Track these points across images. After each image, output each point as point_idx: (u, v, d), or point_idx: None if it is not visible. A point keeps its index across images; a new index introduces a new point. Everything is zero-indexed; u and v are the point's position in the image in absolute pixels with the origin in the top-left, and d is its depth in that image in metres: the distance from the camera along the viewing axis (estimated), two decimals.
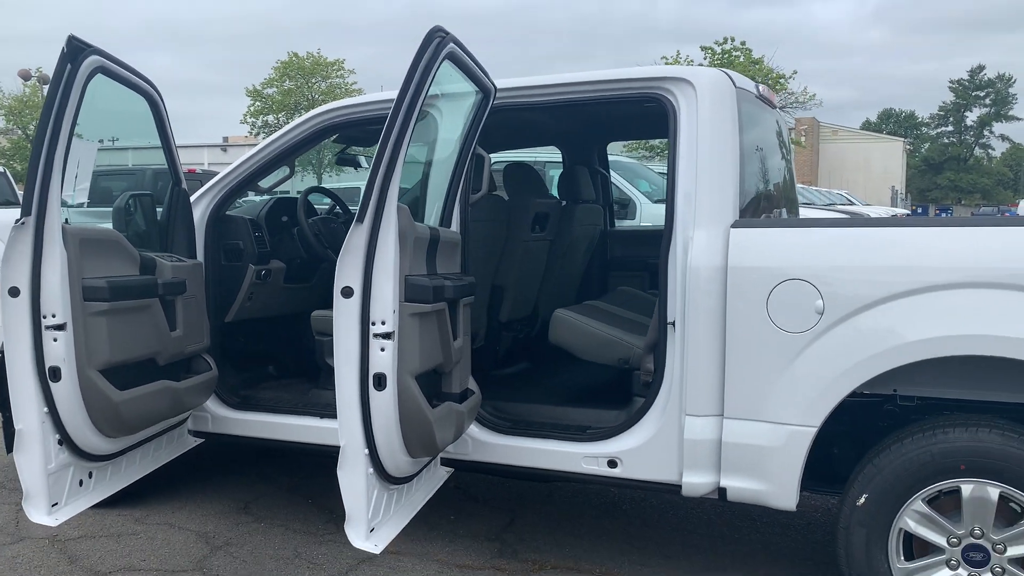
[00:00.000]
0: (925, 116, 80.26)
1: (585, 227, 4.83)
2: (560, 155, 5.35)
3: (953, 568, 2.76)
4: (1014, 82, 73.70)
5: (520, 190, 4.56)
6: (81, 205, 3.60)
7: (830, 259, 2.88)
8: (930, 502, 2.77)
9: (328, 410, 3.48)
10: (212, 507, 4.10)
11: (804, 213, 11.83)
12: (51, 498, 3.33)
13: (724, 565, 3.53)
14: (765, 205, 3.73)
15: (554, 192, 5.46)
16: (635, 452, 3.23)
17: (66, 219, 3.25)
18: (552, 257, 4.65)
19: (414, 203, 3.60)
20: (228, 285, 4.19)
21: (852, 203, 23.78)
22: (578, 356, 3.81)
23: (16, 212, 3.24)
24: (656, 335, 3.26)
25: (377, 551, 3.04)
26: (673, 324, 3.14)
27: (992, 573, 2.72)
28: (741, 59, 30.19)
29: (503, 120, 3.65)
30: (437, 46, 2.88)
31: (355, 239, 2.85)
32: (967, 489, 2.71)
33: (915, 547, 2.82)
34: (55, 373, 3.21)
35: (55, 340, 3.18)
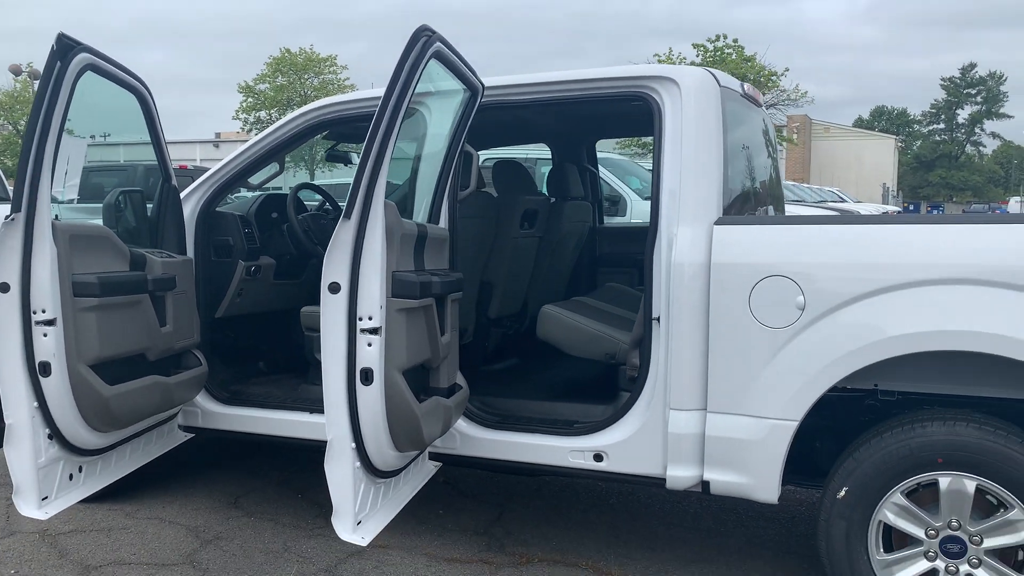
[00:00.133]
0: (917, 113, 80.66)
1: (574, 224, 4.86)
2: (549, 152, 5.38)
3: (931, 559, 2.81)
4: (1005, 80, 74.11)
5: (509, 187, 4.59)
6: (71, 201, 3.61)
7: (811, 256, 2.92)
8: (909, 495, 2.81)
9: (318, 405, 3.50)
10: (202, 501, 4.13)
11: (795, 210, 11.91)
12: (41, 492, 3.35)
13: (709, 557, 3.57)
14: (750, 203, 3.77)
15: (543, 189, 5.50)
16: (620, 446, 3.27)
17: (56, 215, 3.27)
18: (541, 253, 4.68)
19: (402, 200, 3.63)
20: (218, 281, 4.21)
21: (843, 200, 23.85)
22: (565, 351, 3.84)
23: (6, 208, 3.26)
24: (641, 331, 3.30)
25: (364, 543, 3.07)
26: (658, 320, 3.18)
27: (969, 564, 2.76)
28: (733, 56, 30.22)
29: (492, 118, 3.68)
30: (424, 45, 2.91)
31: (342, 235, 2.88)
32: (944, 482, 2.75)
33: (894, 539, 2.87)
34: (45, 368, 3.23)
35: (45, 335, 3.20)
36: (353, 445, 2.98)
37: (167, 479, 4.33)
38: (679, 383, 3.11)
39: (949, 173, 72.82)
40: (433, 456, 3.71)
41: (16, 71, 33.52)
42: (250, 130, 38.00)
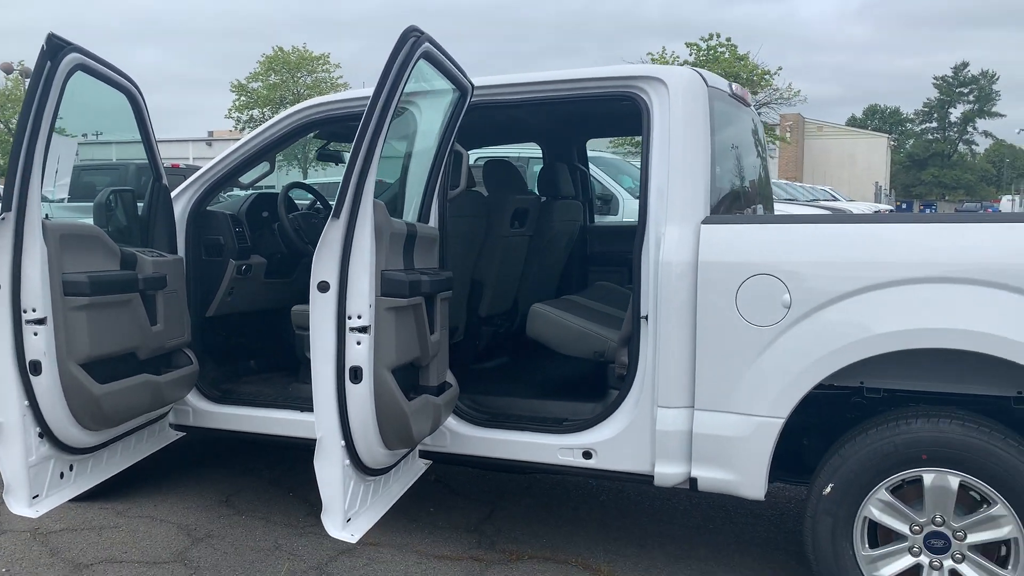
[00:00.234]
0: (910, 112, 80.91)
1: (564, 223, 4.88)
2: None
3: (915, 555, 2.84)
4: (997, 79, 74.38)
5: (499, 186, 4.61)
6: (62, 201, 3.62)
7: (796, 254, 2.95)
8: (893, 491, 2.84)
9: (308, 404, 3.50)
10: (194, 500, 4.14)
11: (787, 209, 11.96)
12: (32, 490, 3.36)
13: (697, 554, 3.60)
14: (738, 202, 3.80)
15: (534, 188, 5.51)
16: (609, 443, 3.30)
17: (46, 214, 3.28)
18: (532, 252, 4.70)
19: (393, 199, 3.65)
20: (209, 280, 4.22)
21: (836, 199, 23.91)
22: (555, 350, 3.87)
23: None
24: (630, 329, 3.32)
25: (353, 540, 3.09)
26: (646, 318, 3.21)
27: (953, 559, 2.80)
28: (726, 55, 30.29)
29: (483, 117, 3.70)
30: (412, 45, 2.92)
31: (331, 234, 2.89)
32: (928, 478, 2.78)
33: (879, 535, 2.90)
34: (36, 367, 3.24)
35: (35, 334, 3.21)
36: (343, 443, 3.00)
37: (159, 477, 4.34)
38: (667, 381, 3.13)
39: (942, 172, 73.09)
40: (423, 454, 3.73)
41: (7, 69, 33.42)
42: (243, 129, 37.95)
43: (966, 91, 75.33)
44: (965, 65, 75.18)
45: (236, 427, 4.00)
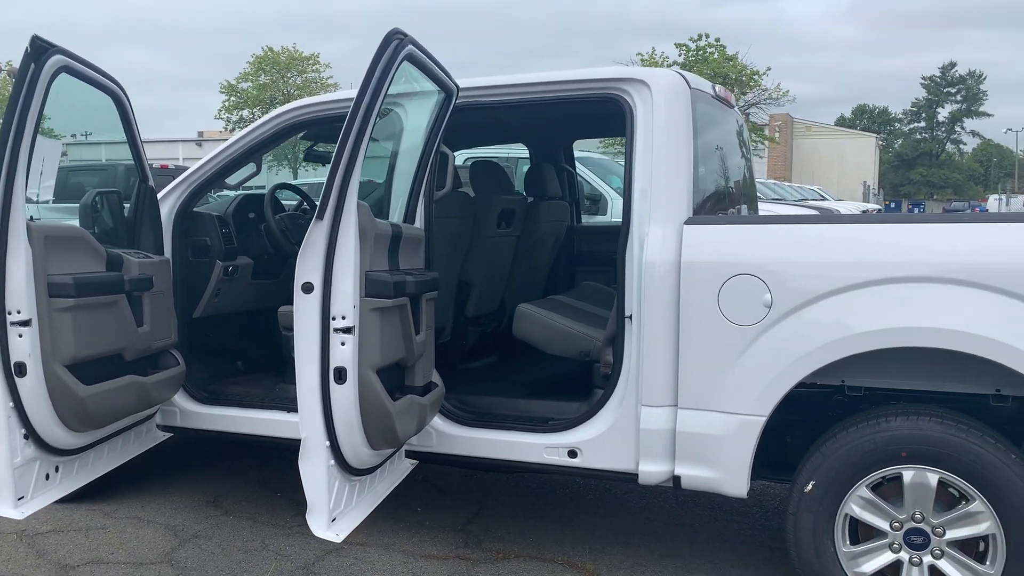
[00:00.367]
0: (898, 112, 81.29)
1: (551, 223, 4.91)
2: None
3: (895, 551, 2.87)
4: (984, 78, 74.79)
5: (486, 187, 4.62)
6: (47, 202, 3.62)
7: (777, 254, 2.98)
8: (874, 488, 2.88)
9: (295, 404, 3.52)
10: (181, 501, 4.14)
11: (775, 209, 12.01)
12: (17, 492, 3.37)
13: (682, 552, 3.63)
14: (722, 202, 3.83)
15: (521, 189, 5.54)
16: (594, 442, 3.32)
17: (31, 216, 3.28)
18: (518, 253, 4.73)
19: (378, 200, 3.66)
20: (196, 281, 4.23)
21: (825, 199, 24.00)
22: (541, 349, 3.89)
23: None
24: (615, 328, 3.34)
25: (338, 540, 3.10)
26: (630, 318, 3.23)
27: (932, 555, 2.83)
28: (715, 56, 30.36)
29: (469, 118, 3.72)
30: (396, 48, 2.94)
31: (315, 235, 2.91)
32: (908, 475, 2.82)
33: (860, 531, 2.93)
34: (20, 368, 3.24)
35: (20, 336, 3.22)
36: (327, 443, 3.01)
37: (146, 479, 4.34)
38: (650, 380, 3.16)
39: (930, 171, 73.43)
40: (410, 454, 3.75)
41: None
42: (232, 129, 37.82)
43: (954, 91, 75.71)
44: (953, 65, 75.59)
45: (223, 428, 4.00)
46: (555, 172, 4.95)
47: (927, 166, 73.98)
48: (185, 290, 4.17)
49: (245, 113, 37.86)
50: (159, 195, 4.05)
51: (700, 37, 31.08)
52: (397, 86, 3.08)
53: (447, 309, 4.24)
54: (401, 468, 3.76)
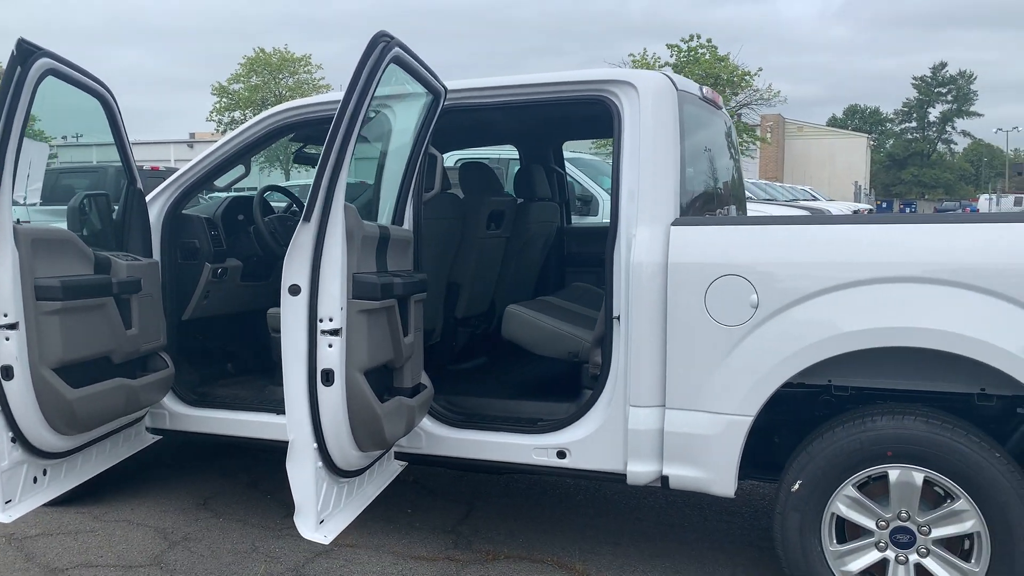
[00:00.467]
0: (889, 112, 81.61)
1: (541, 224, 4.91)
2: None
3: (882, 549, 2.89)
4: (975, 79, 75.22)
5: (475, 188, 4.63)
6: (35, 205, 3.61)
7: (763, 255, 2.99)
8: (860, 487, 2.89)
9: (284, 406, 3.53)
10: (170, 503, 4.14)
11: (766, 209, 12.04)
12: (4, 495, 3.35)
13: (671, 551, 3.64)
14: (710, 204, 3.84)
15: (511, 190, 5.54)
16: (582, 443, 3.33)
17: (18, 219, 3.27)
18: (508, 254, 4.73)
19: (367, 202, 3.66)
20: (184, 283, 4.22)
21: (816, 199, 24.06)
22: (530, 350, 3.89)
23: None
24: (603, 329, 3.35)
25: (326, 542, 3.10)
26: (618, 319, 3.24)
27: (918, 553, 2.85)
28: (707, 56, 30.43)
29: (458, 120, 3.72)
30: (382, 50, 2.94)
31: (302, 237, 2.91)
32: (894, 474, 2.83)
33: (847, 530, 2.95)
34: (7, 371, 3.23)
35: (7, 339, 3.20)
36: (315, 445, 3.01)
37: (135, 481, 4.34)
38: (638, 380, 3.17)
39: (921, 171, 73.76)
40: (399, 455, 3.75)
41: None
42: (224, 131, 37.77)
43: (945, 91, 76.08)
44: (943, 65, 75.99)
45: (213, 430, 4.00)
46: (544, 173, 4.96)
47: (918, 166, 74.31)
48: (174, 292, 4.16)
49: (237, 115, 37.83)
50: (148, 197, 4.05)
51: (692, 38, 31.15)
52: (385, 88, 3.08)
53: (437, 310, 4.24)
54: (391, 470, 3.76)
